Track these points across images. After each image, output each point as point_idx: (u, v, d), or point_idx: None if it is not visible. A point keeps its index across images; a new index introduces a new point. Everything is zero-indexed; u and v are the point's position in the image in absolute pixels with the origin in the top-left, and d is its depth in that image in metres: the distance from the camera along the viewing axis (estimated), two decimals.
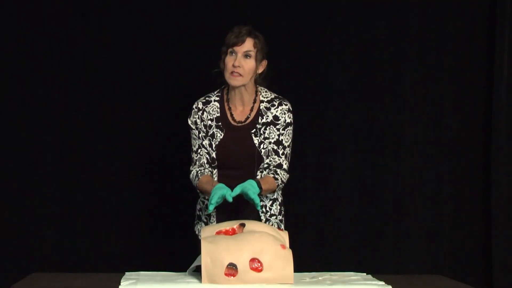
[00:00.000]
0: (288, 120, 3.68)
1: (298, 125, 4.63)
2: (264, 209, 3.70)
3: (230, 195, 3.38)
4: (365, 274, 3.44)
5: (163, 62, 4.75)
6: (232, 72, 3.58)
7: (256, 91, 3.70)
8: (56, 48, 4.71)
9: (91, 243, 4.73)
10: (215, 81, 3.70)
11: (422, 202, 4.84)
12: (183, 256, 3.69)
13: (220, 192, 3.38)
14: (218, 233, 3.25)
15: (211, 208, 3.38)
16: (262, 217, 3.69)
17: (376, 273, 3.45)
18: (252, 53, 3.60)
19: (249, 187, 3.40)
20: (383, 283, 3.20)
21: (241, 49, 3.58)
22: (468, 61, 4.85)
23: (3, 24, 4.68)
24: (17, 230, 4.70)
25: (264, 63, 3.66)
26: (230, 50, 3.58)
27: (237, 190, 3.40)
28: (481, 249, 4.85)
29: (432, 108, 4.85)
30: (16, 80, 4.70)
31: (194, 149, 3.69)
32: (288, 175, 3.68)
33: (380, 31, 4.82)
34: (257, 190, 3.44)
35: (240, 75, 3.58)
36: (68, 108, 4.74)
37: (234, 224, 3.28)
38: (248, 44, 3.59)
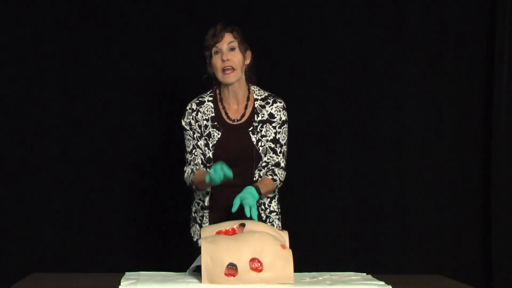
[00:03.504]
0: (283, 118, 3.68)
1: (298, 124, 4.65)
2: (263, 206, 3.70)
3: (233, 206, 3.38)
4: (365, 274, 3.44)
5: (157, 63, 4.76)
6: (224, 70, 3.59)
7: (249, 89, 3.70)
8: (52, 50, 4.71)
9: (91, 243, 4.74)
10: (207, 85, 3.71)
11: (422, 202, 4.84)
12: (183, 257, 3.70)
13: (220, 171, 3.34)
14: (218, 233, 3.25)
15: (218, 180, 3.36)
16: (262, 215, 3.69)
17: (376, 273, 3.45)
18: (235, 44, 3.61)
19: (248, 197, 3.39)
20: (383, 283, 3.20)
21: (223, 44, 3.59)
22: (468, 61, 4.86)
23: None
24: (17, 230, 4.70)
25: (249, 53, 3.67)
26: (213, 50, 3.60)
27: (237, 201, 3.39)
28: (481, 249, 4.85)
29: (432, 108, 4.85)
30: (14, 82, 4.71)
31: (188, 149, 3.69)
32: (285, 172, 3.69)
33: (381, 31, 4.82)
34: (257, 196, 3.44)
35: (233, 68, 3.59)
36: (68, 111, 4.74)
37: (234, 224, 3.28)
38: (228, 38, 3.60)
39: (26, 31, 4.70)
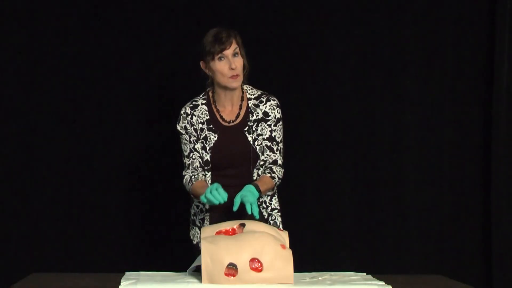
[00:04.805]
0: (278, 116, 3.69)
1: (298, 124, 4.65)
2: (264, 205, 3.70)
3: (234, 205, 3.39)
4: (365, 274, 3.44)
5: (157, 63, 4.75)
6: (231, 76, 3.59)
7: (242, 90, 3.70)
8: (51, 51, 4.71)
9: (91, 243, 4.73)
10: (203, 87, 3.72)
11: (422, 202, 4.84)
12: (183, 257, 3.70)
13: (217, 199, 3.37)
14: (218, 233, 3.25)
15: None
16: (264, 213, 3.69)
17: (376, 273, 3.45)
18: (238, 51, 3.61)
19: (248, 195, 3.39)
20: (383, 283, 3.19)
21: (229, 52, 3.58)
22: (468, 61, 4.85)
23: None
24: (17, 230, 4.70)
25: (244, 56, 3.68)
26: (218, 56, 3.58)
27: (237, 200, 3.40)
28: (481, 249, 4.85)
29: (432, 108, 4.85)
30: (13, 82, 4.71)
31: (186, 153, 3.69)
32: (283, 169, 3.69)
33: (380, 31, 4.82)
34: (257, 194, 3.44)
35: (238, 75, 3.59)
36: (68, 111, 4.74)
37: (234, 224, 3.28)
38: (234, 44, 3.60)
39: (25, 31, 4.70)
